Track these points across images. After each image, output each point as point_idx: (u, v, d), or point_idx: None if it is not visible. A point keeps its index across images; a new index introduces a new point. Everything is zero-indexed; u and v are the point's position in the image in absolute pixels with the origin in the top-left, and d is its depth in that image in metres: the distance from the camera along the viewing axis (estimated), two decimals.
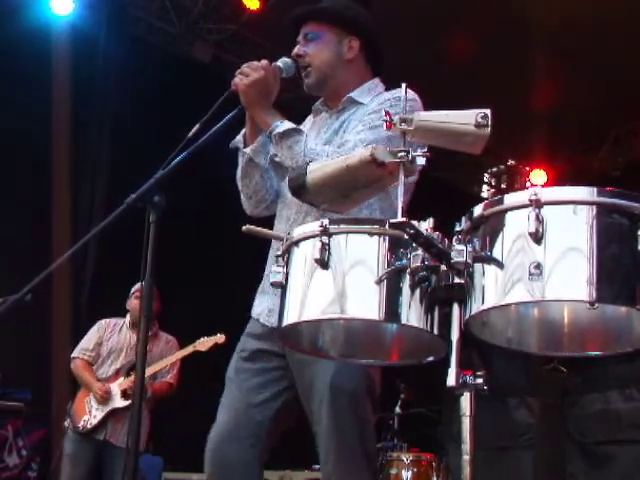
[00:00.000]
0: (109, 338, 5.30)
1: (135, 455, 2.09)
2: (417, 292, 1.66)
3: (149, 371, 5.02)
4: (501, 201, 1.62)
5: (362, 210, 2.33)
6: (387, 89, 2.60)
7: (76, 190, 7.45)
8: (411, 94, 2.41)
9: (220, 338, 5.17)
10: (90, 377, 5.18)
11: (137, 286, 5.27)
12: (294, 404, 2.43)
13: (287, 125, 2.41)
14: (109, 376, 5.20)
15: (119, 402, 5.05)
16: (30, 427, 6.26)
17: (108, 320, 5.43)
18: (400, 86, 2.38)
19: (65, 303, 7.12)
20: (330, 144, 2.45)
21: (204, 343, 5.21)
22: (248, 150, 2.59)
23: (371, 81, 2.64)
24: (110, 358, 5.25)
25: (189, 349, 5.22)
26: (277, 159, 2.47)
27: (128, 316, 5.39)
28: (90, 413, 5.04)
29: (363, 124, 2.43)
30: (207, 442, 2.44)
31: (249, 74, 2.45)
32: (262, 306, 2.50)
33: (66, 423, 5.17)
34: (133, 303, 5.28)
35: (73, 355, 5.31)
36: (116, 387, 5.10)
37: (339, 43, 2.60)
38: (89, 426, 5.00)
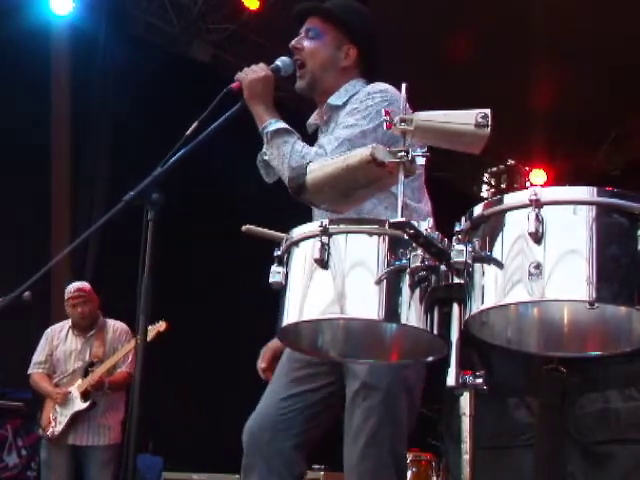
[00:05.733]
0: (57, 347, 5.37)
1: (134, 454, 2.09)
2: (417, 292, 1.66)
3: (105, 366, 5.13)
4: (501, 201, 1.62)
5: (387, 210, 2.34)
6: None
7: (76, 190, 7.46)
8: (383, 86, 2.44)
9: (161, 326, 5.10)
10: (48, 386, 5.27)
11: (69, 291, 5.35)
12: (336, 399, 2.44)
13: (280, 125, 2.42)
14: (65, 383, 5.26)
15: (79, 405, 5.11)
16: (30, 427, 6.26)
17: (53, 328, 5.49)
18: (384, 82, 2.40)
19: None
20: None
21: (149, 333, 5.17)
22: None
23: (348, 82, 2.58)
24: (62, 366, 5.32)
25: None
26: (266, 157, 2.46)
27: (70, 321, 5.43)
28: (55, 420, 5.14)
29: (338, 125, 2.44)
30: (246, 423, 2.46)
31: (255, 70, 2.47)
32: None
33: (40, 432, 5.28)
34: (69, 310, 5.36)
35: (29, 372, 5.40)
36: (75, 390, 5.16)
37: (337, 48, 2.59)
38: (56, 433, 5.10)
